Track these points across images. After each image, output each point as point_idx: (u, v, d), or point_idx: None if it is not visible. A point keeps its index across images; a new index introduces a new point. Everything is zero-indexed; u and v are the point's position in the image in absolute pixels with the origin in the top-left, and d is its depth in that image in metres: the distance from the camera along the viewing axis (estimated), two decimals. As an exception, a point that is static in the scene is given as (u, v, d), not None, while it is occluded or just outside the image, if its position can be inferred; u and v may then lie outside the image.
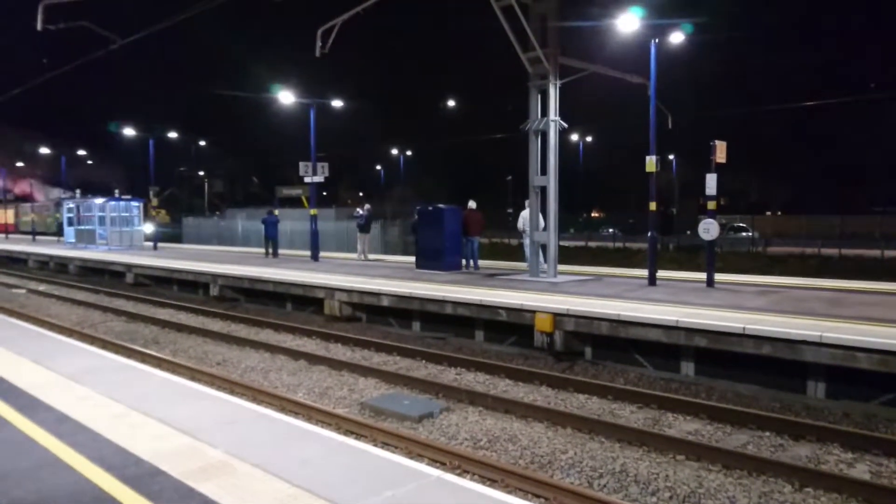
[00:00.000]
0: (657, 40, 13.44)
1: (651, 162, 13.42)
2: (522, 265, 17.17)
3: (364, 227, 21.67)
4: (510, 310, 11.26)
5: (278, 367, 10.66)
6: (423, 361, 10.82)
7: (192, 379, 8.75)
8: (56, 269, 27.73)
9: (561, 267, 15.50)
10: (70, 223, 35.45)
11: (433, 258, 17.09)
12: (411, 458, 6.12)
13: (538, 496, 5.70)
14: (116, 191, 38.62)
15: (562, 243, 18.16)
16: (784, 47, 77.26)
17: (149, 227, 34.68)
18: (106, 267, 24.28)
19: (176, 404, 5.98)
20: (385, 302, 13.44)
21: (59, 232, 43.98)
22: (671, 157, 50.96)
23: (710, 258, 13.50)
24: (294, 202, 40.71)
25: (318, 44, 13.71)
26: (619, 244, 41.52)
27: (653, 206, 13.89)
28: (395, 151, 69.31)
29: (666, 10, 13.80)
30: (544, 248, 14.93)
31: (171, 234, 41.55)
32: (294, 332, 13.37)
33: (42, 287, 22.15)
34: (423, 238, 17.71)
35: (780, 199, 64.02)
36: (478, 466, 6.24)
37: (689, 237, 36.25)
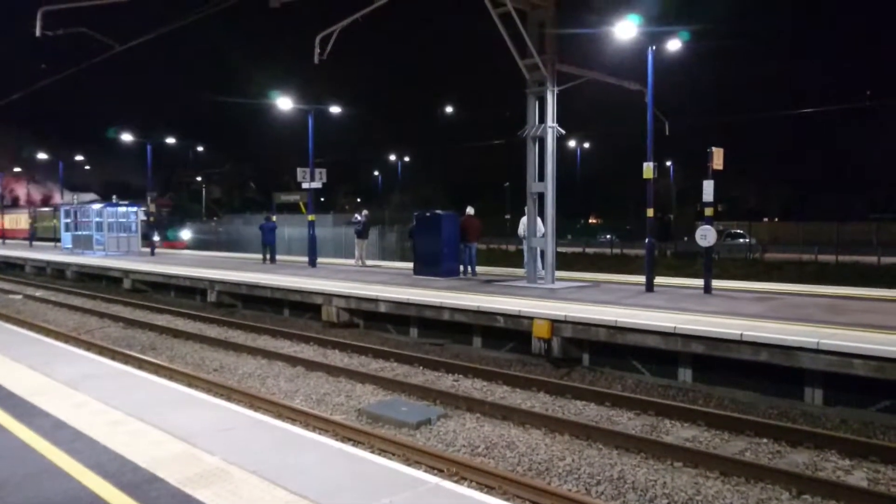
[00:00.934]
0: (654, 47, 13.50)
1: (648, 168, 13.46)
2: (520, 271, 17.18)
3: (362, 233, 21.67)
4: (508, 316, 11.26)
5: (276, 373, 10.64)
6: (421, 368, 10.81)
7: (190, 385, 8.75)
8: (53, 274, 27.68)
9: (558, 273, 15.51)
10: (67, 228, 35.41)
11: (431, 264, 17.09)
12: (409, 464, 6.11)
13: (536, 503, 5.69)
14: (114, 196, 38.66)
15: (559, 249, 18.19)
16: (781, 54, 77.62)
17: (186, 234, 34.54)
18: (103, 273, 24.25)
19: (173, 411, 5.97)
20: (383, 308, 13.43)
21: None
22: (668, 163, 51.10)
23: (707, 264, 13.52)
24: (292, 208, 40.68)
25: (317, 50, 13.73)
26: (616, 250, 41.55)
27: (650, 212, 13.92)
28: (392, 157, 69.44)
29: (663, 17, 13.86)
30: (542, 254, 14.95)
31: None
32: (291, 338, 13.35)
33: (39, 293, 22.10)
34: (420, 244, 17.72)
35: (777, 206, 64.18)
36: (475, 473, 6.23)
37: (686, 243, 36.32)
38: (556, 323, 10.55)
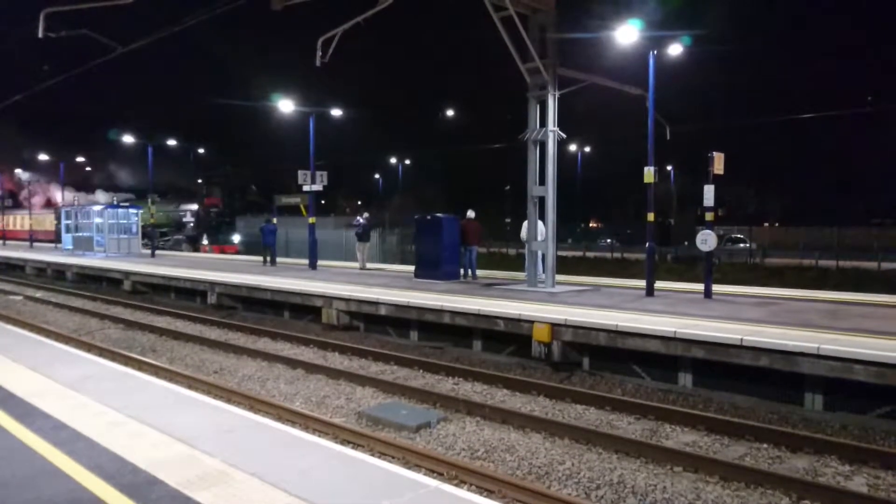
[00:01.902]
0: (656, 52, 13.52)
1: (649, 173, 13.47)
2: (521, 275, 17.18)
3: (363, 236, 21.64)
4: (508, 320, 11.26)
5: (276, 375, 10.64)
6: (421, 371, 10.81)
7: (190, 387, 8.75)
8: (54, 276, 27.69)
9: (559, 277, 15.51)
10: (68, 230, 35.42)
11: (431, 267, 17.10)
12: (409, 468, 6.11)
13: (535, 507, 5.69)
14: (114, 198, 38.65)
15: (560, 253, 18.19)
16: (782, 59, 77.72)
17: (236, 237, 33.65)
18: (104, 274, 24.25)
19: (173, 413, 5.97)
20: (383, 311, 13.43)
21: None
22: (669, 167, 51.10)
23: (707, 269, 13.52)
24: (293, 210, 40.51)
25: (319, 53, 13.75)
26: (616, 254, 41.54)
27: (651, 216, 13.92)
28: (393, 160, 69.46)
29: (665, 22, 13.89)
30: (543, 257, 14.95)
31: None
32: (292, 340, 13.35)
33: (39, 294, 22.11)
34: (421, 247, 17.73)
35: (778, 211, 64.20)
36: (475, 477, 6.23)
37: (686, 248, 36.27)
38: (556, 327, 10.54)
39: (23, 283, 25.62)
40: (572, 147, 56.34)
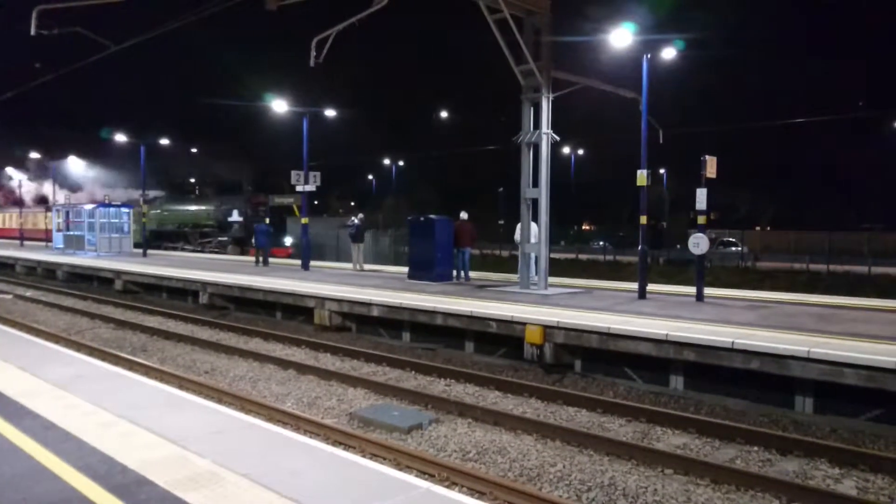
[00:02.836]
0: (649, 55, 13.56)
1: (642, 176, 13.51)
2: (513, 277, 17.19)
3: (357, 237, 21.56)
4: (500, 321, 11.27)
5: (267, 376, 10.61)
6: (413, 372, 10.80)
7: (181, 388, 8.72)
8: (44, 274, 27.54)
9: (551, 279, 15.53)
10: (59, 228, 35.22)
11: (424, 269, 17.09)
12: (400, 469, 6.10)
13: (527, 509, 5.69)
14: (106, 196, 38.39)
15: (553, 255, 18.19)
16: (775, 65, 78.13)
17: (288, 240, 31.85)
18: (95, 273, 24.13)
19: (164, 413, 5.94)
20: (375, 312, 13.41)
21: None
22: (662, 171, 51.26)
23: (699, 272, 13.56)
24: (286, 211, 40.26)
25: (313, 53, 13.72)
26: (609, 257, 41.66)
27: (643, 219, 13.95)
28: (387, 161, 69.41)
29: (659, 26, 13.94)
30: (536, 260, 14.97)
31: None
32: (283, 341, 13.32)
33: (29, 293, 21.99)
34: (414, 249, 17.72)
35: (770, 215, 64.52)
36: (466, 479, 6.22)
37: (679, 251, 36.44)
38: (548, 329, 10.55)
39: (12, 282, 25.47)
40: (566, 149, 56.48)
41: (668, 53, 13.80)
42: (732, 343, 8.69)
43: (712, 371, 9.08)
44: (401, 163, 70.15)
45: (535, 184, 14.30)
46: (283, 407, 8.67)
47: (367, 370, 11.00)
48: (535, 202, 14.43)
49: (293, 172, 21.32)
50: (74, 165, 51.93)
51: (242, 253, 25.05)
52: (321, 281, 17.38)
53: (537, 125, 14.17)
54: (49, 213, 43.89)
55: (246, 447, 5.11)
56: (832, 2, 76.89)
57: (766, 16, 75.99)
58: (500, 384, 9.85)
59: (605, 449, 7.17)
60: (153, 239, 38.86)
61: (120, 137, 32.76)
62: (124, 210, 33.62)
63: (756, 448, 7.26)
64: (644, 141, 13.63)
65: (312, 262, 23.24)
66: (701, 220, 13.04)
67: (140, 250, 30.57)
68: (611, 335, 9.88)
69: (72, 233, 33.65)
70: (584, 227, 69.74)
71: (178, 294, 19.66)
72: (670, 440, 7.60)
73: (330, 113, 23.74)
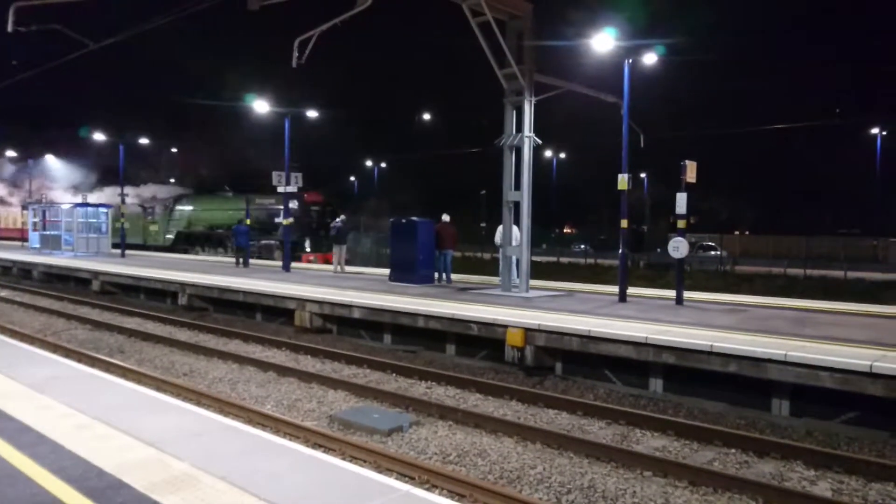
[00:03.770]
0: (631, 60, 13.67)
1: (623, 180, 13.60)
2: (495, 279, 17.22)
3: (338, 238, 21.43)
4: (482, 324, 11.28)
5: (246, 378, 10.53)
6: (394, 375, 10.77)
7: (159, 390, 8.61)
8: (19, 274, 27.12)
9: (533, 282, 15.58)
10: (35, 228, 34.71)
11: (406, 271, 17.07)
12: (380, 472, 6.07)
13: (506, 511, 5.69)
14: (84, 195, 37.86)
15: (534, 258, 18.27)
16: (755, 71, 79.09)
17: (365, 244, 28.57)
18: (71, 273, 23.81)
19: (141, 415, 5.87)
20: (356, 314, 13.37)
21: (167, 245, 35.47)
22: (643, 175, 51.69)
23: (679, 276, 13.68)
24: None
25: (295, 54, 13.66)
26: (590, 260, 41.91)
27: (624, 223, 14.05)
28: (369, 163, 69.28)
29: (641, 31, 14.06)
30: (517, 262, 15.01)
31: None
32: (263, 343, 13.23)
33: (4, 293, 21.63)
34: (396, 251, 17.69)
35: (749, 219, 65.26)
36: (447, 481, 6.22)
37: (659, 255, 36.75)
38: (529, 331, 10.58)
39: (-13, 282, 25.06)
40: (548, 153, 56.79)
41: (650, 59, 13.92)
42: (711, 346, 8.77)
43: (691, 374, 9.15)
44: (383, 164, 70.07)
45: (518, 187, 14.34)
46: (263, 409, 8.60)
47: (348, 372, 10.96)
48: (517, 205, 14.47)
49: (274, 173, 21.20)
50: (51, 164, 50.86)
51: (294, 259, 21.16)
52: (302, 282, 17.29)
53: (520, 128, 14.22)
54: (25, 212, 42.86)
55: (224, 450, 5.07)
56: (811, 11, 77.98)
57: (750, 18, 76.99)
58: (480, 387, 9.86)
59: (585, 451, 7.20)
60: (177, 242, 36.41)
61: (98, 136, 32.40)
62: (102, 210, 33.21)
63: (734, 450, 7.33)
64: (625, 145, 13.74)
65: (294, 264, 23.11)
66: (681, 224, 13.14)
67: (118, 251, 30.20)
68: (591, 338, 9.93)
69: (48, 232, 33.18)
70: (565, 231, 70.11)
71: (157, 295, 19.46)
72: (649, 442, 7.65)
73: (312, 114, 23.63)
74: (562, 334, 10.28)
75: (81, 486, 4.29)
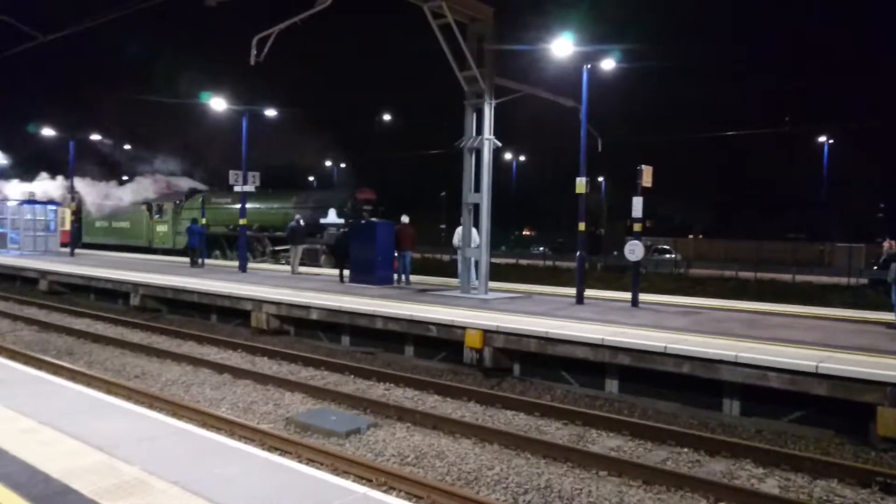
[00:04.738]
0: (589, 66, 13.86)
1: (581, 183, 13.78)
2: (454, 281, 17.25)
3: (295, 238, 21.07)
4: (440, 325, 11.29)
5: (201, 380, 10.34)
6: (352, 376, 10.70)
7: (109, 392, 8.39)
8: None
9: (492, 284, 15.66)
10: None
11: (365, 272, 16.99)
12: (337, 474, 6.02)
13: (464, 513, 5.71)
14: (32, 192, 36.71)
15: (493, 260, 18.36)
16: (709, 79, 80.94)
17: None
18: (17, 273, 23.06)
19: (90, 419, 5.71)
20: (314, 315, 13.25)
21: (185, 250, 27.45)
22: (601, 179, 52.43)
23: (634, 278, 13.92)
24: None
25: (254, 52, 13.46)
26: (548, 262, 42.26)
27: (582, 226, 14.24)
28: (328, 163, 68.69)
29: (599, 37, 14.27)
30: (476, 264, 15.07)
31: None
32: (218, 344, 13.00)
33: (-55, 293, 20.83)
34: (355, 252, 17.58)
35: (702, 224, 66.78)
36: (404, 483, 6.20)
37: (616, 257, 37.28)
38: (488, 333, 10.63)
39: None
40: (508, 156, 57.19)
41: (608, 64, 14.15)
42: (665, 347, 8.94)
43: (646, 375, 9.31)
44: (342, 165, 69.54)
45: (477, 189, 14.41)
46: (218, 412, 8.46)
47: (306, 374, 10.85)
48: (477, 207, 14.53)
49: (231, 172, 20.87)
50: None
51: (343, 268, 18.05)
52: (259, 283, 17.06)
53: (480, 131, 14.29)
54: None
55: (177, 454, 4.96)
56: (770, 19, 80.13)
57: (708, 24, 78.75)
58: (439, 388, 9.86)
59: (542, 452, 7.26)
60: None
61: (48, 131, 31.41)
62: (51, 208, 32.26)
63: (686, 449, 7.49)
64: (583, 149, 13.92)
65: (251, 265, 22.78)
66: (637, 227, 13.38)
67: (67, 249, 29.36)
68: (549, 339, 10.03)
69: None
70: (524, 233, 70.68)
71: (108, 296, 18.96)
72: (605, 442, 7.76)
73: (270, 113, 23.33)
74: (520, 336, 10.35)
75: (27, 492, 4.15)
